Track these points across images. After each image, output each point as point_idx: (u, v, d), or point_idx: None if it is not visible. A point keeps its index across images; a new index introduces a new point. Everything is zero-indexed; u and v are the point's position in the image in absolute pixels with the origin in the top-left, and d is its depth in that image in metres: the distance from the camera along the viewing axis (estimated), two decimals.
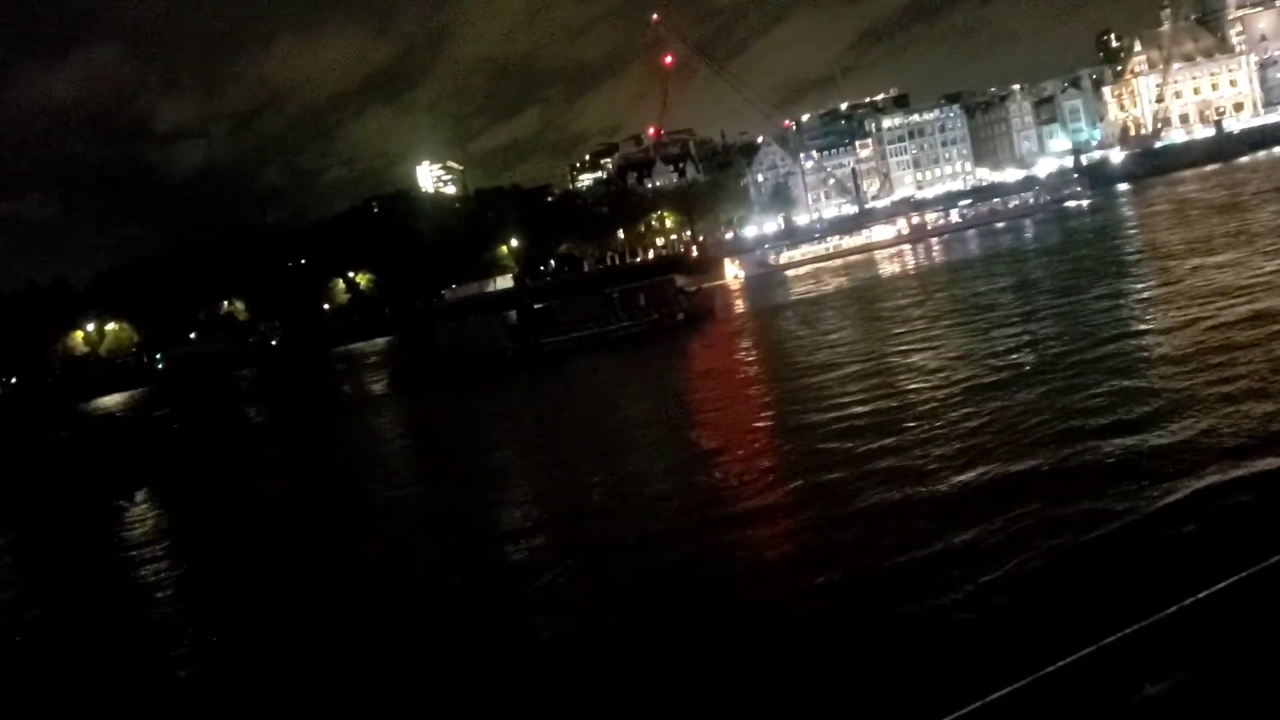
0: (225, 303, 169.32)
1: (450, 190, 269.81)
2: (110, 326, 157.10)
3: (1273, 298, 31.41)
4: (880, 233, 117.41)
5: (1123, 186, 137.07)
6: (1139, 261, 50.77)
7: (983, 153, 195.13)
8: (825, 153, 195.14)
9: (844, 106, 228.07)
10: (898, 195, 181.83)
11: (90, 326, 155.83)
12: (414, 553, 23.56)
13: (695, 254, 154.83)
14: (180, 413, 66.90)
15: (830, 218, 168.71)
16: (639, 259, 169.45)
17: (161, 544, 30.39)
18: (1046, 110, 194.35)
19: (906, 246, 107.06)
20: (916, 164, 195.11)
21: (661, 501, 22.64)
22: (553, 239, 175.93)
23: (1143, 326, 32.27)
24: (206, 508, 35.75)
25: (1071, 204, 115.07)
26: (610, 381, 50.01)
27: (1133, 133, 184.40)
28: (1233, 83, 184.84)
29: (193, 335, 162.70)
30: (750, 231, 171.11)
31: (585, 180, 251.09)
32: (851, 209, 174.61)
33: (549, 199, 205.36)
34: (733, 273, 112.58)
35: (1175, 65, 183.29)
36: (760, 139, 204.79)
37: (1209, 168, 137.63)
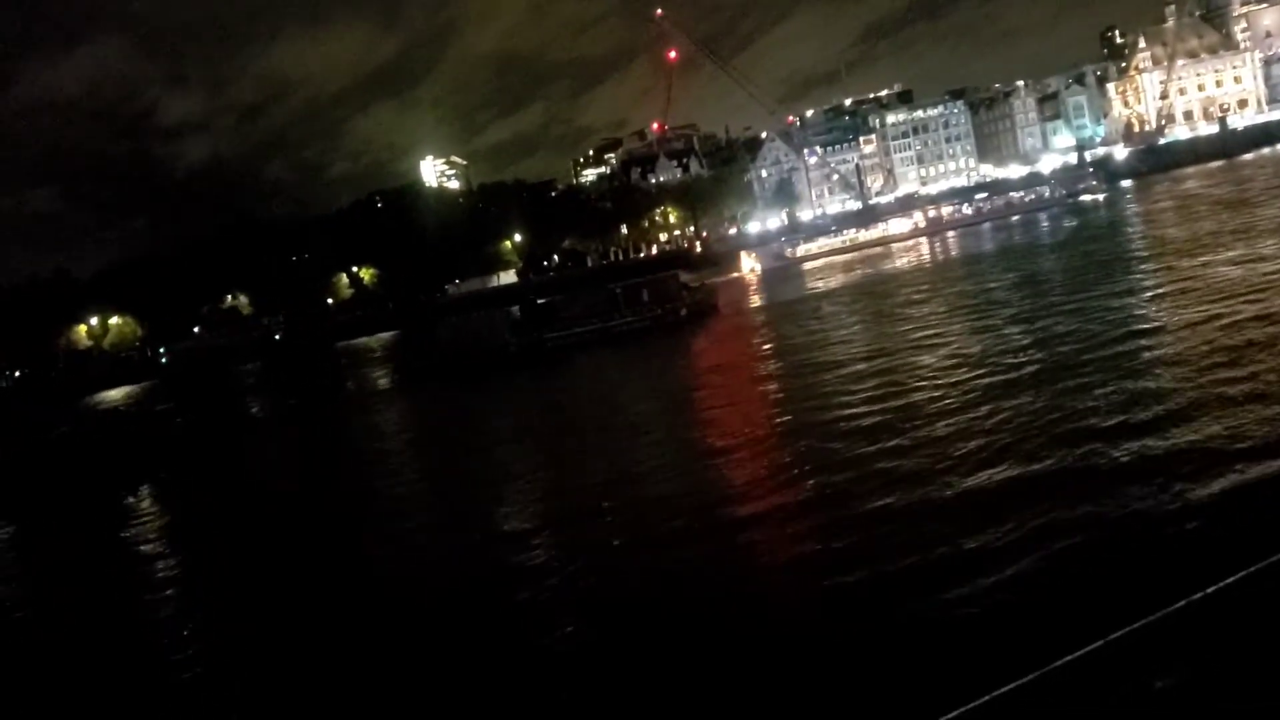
0: (229, 297, 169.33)
1: (454, 185, 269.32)
2: (114, 320, 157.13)
3: None
4: (896, 226, 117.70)
5: (1126, 183, 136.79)
6: (1151, 257, 50.55)
7: (986, 149, 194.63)
8: (829, 149, 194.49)
9: (848, 102, 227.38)
10: (901, 191, 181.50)
11: (94, 320, 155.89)
12: (416, 553, 23.48)
13: (699, 249, 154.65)
14: (184, 407, 66.99)
15: (834, 213, 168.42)
16: (642, 254, 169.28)
17: (163, 539, 30.44)
18: (1050, 106, 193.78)
19: (923, 240, 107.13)
20: (920, 160, 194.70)
21: (665, 501, 22.57)
22: (556, 234, 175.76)
23: (1156, 324, 32.04)
24: (209, 503, 35.77)
25: (1086, 198, 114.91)
26: (613, 378, 49.97)
27: (1137, 129, 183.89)
28: (1237, 79, 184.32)
29: (196, 329, 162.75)
30: (754, 227, 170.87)
31: (589, 175, 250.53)
32: (855, 205, 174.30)
33: (553, 194, 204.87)
34: (749, 265, 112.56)
35: (1180, 62, 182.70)
36: (764, 134, 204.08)
37: (1213, 165, 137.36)
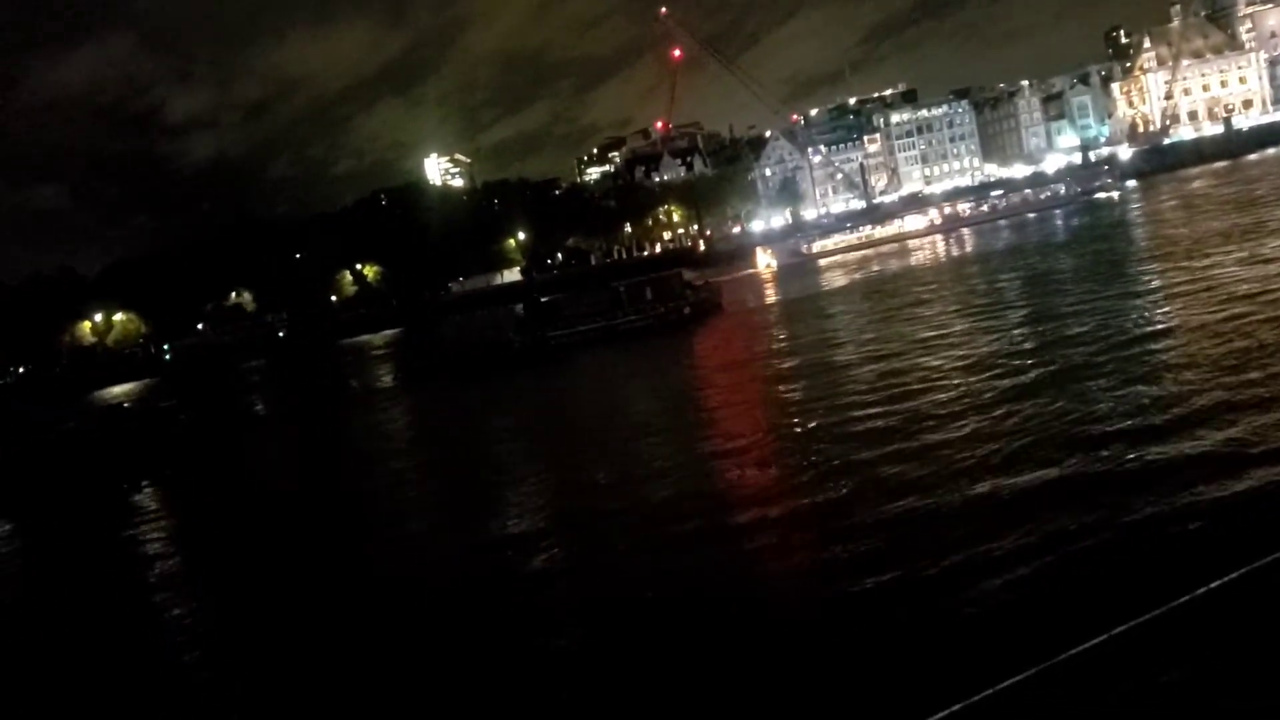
0: (233, 294, 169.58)
1: (458, 183, 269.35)
2: (117, 317, 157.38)
3: None
4: (912, 222, 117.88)
5: (1131, 183, 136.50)
6: (1163, 256, 50.20)
7: (991, 149, 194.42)
8: (833, 148, 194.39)
9: (852, 102, 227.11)
10: (906, 191, 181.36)
11: (97, 317, 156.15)
12: (417, 553, 23.43)
13: (702, 248, 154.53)
14: (187, 404, 67.02)
15: (838, 212, 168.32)
16: (646, 253, 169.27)
17: (166, 537, 30.45)
18: (1055, 106, 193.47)
19: (938, 236, 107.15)
20: (925, 159, 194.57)
21: (669, 506, 22.48)
22: (560, 232, 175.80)
23: (1169, 325, 31.76)
24: (212, 501, 35.78)
25: (1101, 195, 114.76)
26: (616, 377, 49.87)
27: (1141, 129, 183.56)
28: (1242, 80, 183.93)
29: (200, 326, 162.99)
30: (758, 226, 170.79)
31: (593, 174, 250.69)
32: (859, 204, 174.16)
33: (556, 192, 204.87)
34: (765, 261, 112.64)
35: (1184, 62, 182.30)
36: (768, 133, 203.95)
37: (1217, 165, 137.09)
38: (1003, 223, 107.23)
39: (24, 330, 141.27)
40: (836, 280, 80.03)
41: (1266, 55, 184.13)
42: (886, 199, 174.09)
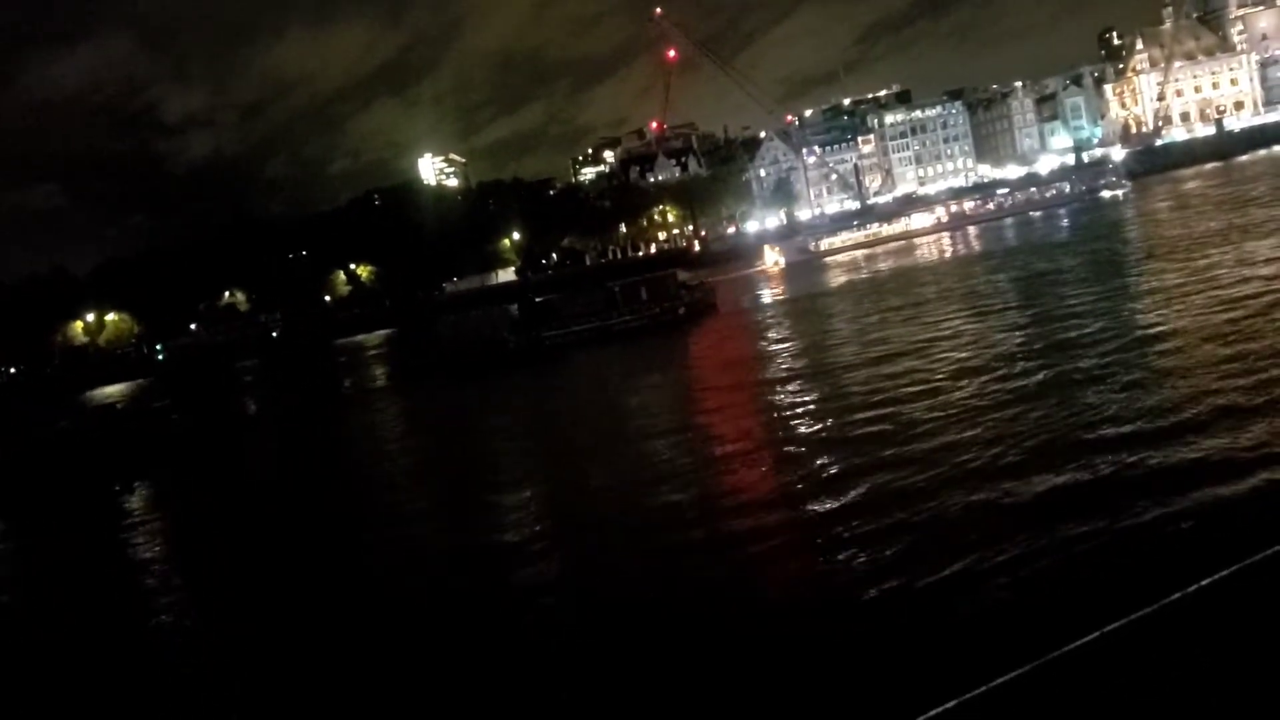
0: (226, 294, 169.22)
1: (453, 183, 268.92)
2: (110, 317, 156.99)
3: None
4: (919, 220, 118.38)
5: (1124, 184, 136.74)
6: (1162, 255, 50.31)
7: (984, 149, 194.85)
8: (827, 148, 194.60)
9: (847, 102, 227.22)
10: (900, 191, 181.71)
11: (90, 317, 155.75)
12: (413, 555, 23.34)
13: (697, 248, 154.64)
14: (180, 404, 66.88)
15: (832, 213, 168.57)
16: (641, 253, 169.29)
17: (160, 537, 30.40)
18: (1048, 107, 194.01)
19: (945, 234, 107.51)
20: (918, 160, 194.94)
21: (667, 511, 22.40)
22: (555, 232, 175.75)
23: (1170, 327, 31.65)
24: (206, 501, 35.69)
25: (1106, 194, 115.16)
26: (611, 377, 49.85)
27: (1134, 130, 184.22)
28: (1233, 81, 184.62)
29: (193, 326, 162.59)
30: (752, 227, 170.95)
31: (588, 174, 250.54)
32: (854, 205, 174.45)
33: (551, 192, 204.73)
34: (772, 259, 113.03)
35: (1177, 63, 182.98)
36: (763, 134, 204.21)
37: (1209, 166, 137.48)
38: (1009, 220, 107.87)
39: (16, 330, 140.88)
40: (843, 278, 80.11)
41: (1258, 57, 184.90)
42: (881, 200, 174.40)
